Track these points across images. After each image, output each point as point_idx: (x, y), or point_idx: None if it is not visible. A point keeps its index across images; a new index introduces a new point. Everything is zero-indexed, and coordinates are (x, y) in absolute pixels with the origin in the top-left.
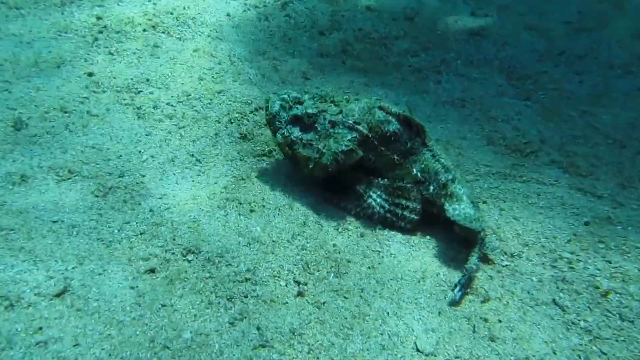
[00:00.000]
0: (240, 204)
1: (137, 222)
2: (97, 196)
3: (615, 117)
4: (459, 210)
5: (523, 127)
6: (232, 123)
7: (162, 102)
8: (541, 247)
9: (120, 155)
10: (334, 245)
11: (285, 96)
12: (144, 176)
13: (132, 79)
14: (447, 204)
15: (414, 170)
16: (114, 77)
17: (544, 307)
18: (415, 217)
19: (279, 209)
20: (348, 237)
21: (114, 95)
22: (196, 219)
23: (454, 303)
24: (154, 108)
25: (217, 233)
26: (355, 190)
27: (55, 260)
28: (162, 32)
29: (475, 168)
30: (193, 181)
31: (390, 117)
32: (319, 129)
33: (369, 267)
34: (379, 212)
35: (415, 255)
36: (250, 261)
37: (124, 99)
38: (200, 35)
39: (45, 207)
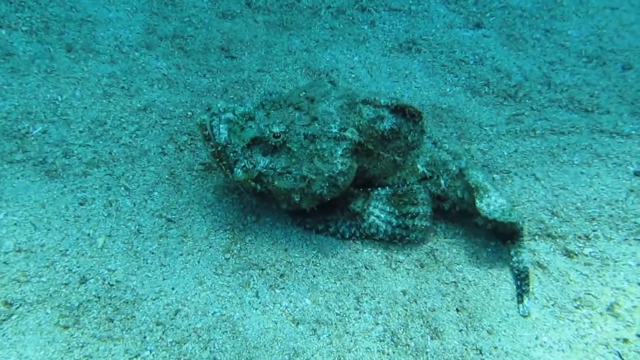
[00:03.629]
0: (262, 270)
1: (150, 350)
2: (66, 327)
3: (578, 30)
4: (492, 205)
5: (499, 65)
6: (182, 151)
7: (72, 144)
8: (609, 217)
9: (66, 250)
10: (403, 292)
11: (230, 115)
12: (114, 271)
13: (4, 116)
14: (477, 201)
15: (420, 167)
16: None
17: None
18: (427, 224)
19: (313, 263)
20: (408, 274)
21: None
22: (225, 315)
23: (527, 315)
24: (65, 157)
25: (264, 328)
26: (349, 209)
27: None
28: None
29: (483, 132)
30: (181, 254)
31: (381, 112)
32: (293, 149)
33: (459, 310)
34: (385, 230)
35: (496, 275)
36: (330, 356)
37: (11, 152)
38: (55, 20)
39: None
